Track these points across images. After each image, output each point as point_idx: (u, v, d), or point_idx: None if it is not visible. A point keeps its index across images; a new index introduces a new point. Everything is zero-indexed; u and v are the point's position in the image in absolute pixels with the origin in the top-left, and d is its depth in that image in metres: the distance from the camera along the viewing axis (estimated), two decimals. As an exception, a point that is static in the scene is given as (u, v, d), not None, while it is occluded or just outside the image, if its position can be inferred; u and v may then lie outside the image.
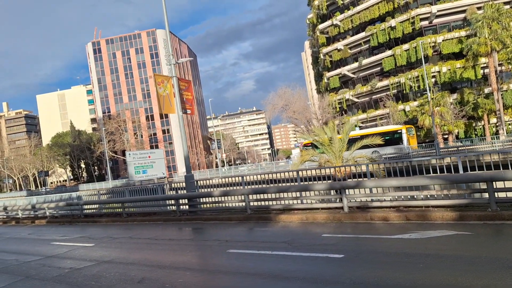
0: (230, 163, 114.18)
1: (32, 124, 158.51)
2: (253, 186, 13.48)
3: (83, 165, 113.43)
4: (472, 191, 8.41)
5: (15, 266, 9.98)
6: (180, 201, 14.93)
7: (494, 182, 7.80)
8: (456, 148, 39.71)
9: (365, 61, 65.10)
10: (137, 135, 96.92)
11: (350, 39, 67.18)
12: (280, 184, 12.98)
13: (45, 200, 22.42)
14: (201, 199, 14.56)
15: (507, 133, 47.31)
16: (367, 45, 65.25)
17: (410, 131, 45.94)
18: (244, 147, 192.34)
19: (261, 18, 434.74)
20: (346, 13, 66.10)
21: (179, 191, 26.73)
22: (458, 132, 54.70)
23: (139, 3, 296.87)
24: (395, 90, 60.96)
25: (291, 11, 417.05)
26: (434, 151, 40.92)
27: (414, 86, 57.88)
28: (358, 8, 64.18)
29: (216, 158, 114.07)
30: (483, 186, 8.24)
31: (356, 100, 68.05)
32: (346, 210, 10.31)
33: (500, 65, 49.69)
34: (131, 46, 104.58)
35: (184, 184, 20.47)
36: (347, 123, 57.27)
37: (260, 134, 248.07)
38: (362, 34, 64.57)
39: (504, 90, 51.18)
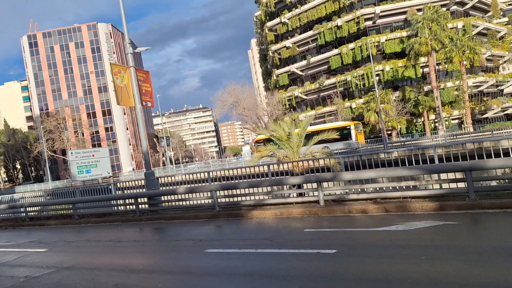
0: (177, 162, 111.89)
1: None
2: (221, 182, 12.91)
3: (18, 166, 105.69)
4: (450, 181, 8.49)
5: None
6: (140, 200, 14.02)
7: (471, 172, 7.90)
8: (402, 143, 41.46)
9: (313, 59, 66.31)
10: (78, 134, 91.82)
11: (298, 37, 68.12)
12: (250, 180, 12.54)
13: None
14: (163, 197, 13.74)
15: (446, 128, 50.25)
16: (315, 44, 66.51)
17: (358, 127, 47.47)
18: (191, 145, 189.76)
19: (205, 15, 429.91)
20: (294, 11, 66.94)
21: (127, 191, 25.38)
22: (400, 128, 57.34)
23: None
24: (342, 88, 62.66)
25: (235, 9, 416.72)
26: (381, 146, 42.50)
27: (360, 84, 59.81)
28: (306, 6, 65.19)
29: (163, 156, 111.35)
30: (459, 175, 8.35)
31: (304, 97, 69.19)
32: (322, 204, 10.09)
33: (437, 64, 52.67)
34: (71, 40, 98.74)
35: (131, 183, 19.46)
36: (303, 119, 57.88)
37: (207, 132, 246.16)
38: (310, 33, 65.70)
39: (442, 88, 54.22)
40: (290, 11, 67.51)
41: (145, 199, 13.99)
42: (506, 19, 66.32)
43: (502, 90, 61.32)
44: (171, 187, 14.16)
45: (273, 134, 24.72)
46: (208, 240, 9.03)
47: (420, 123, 57.33)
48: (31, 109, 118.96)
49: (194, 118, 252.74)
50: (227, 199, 12.33)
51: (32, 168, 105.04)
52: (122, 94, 13.36)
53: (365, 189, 9.87)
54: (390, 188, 9.57)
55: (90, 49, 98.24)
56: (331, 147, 40.84)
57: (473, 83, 54.59)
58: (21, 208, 17.58)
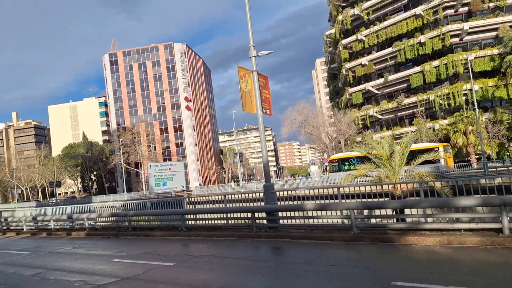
0: (235, 179, 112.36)
1: (41, 135, 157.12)
2: (360, 200, 11.38)
3: (93, 177, 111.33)
4: None
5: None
6: (256, 215, 12.83)
7: None
8: (507, 168, 37.47)
9: (391, 77, 63.46)
10: (151, 148, 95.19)
11: (375, 55, 65.74)
12: (403, 200, 10.89)
13: (83, 210, 20.40)
14: (283, 213, 12.45)
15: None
16: (394, 61, 63.77)
17: (447, 149, 44.03)
18: (251, 164, 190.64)
19: (268, 38, 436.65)
20: (372, 28, 64.89)
21: (199, 206, 24.37)
22: (490, 153, 52.48)
23: (149, 21, 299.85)
24: (423, 108, 59.02)
25: (298, 31, 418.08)
26: (476, 171, 38.82)
27: (444, 104, 55.96)
28: (385, 23, 62.91)
29: (227, 173, 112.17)
30: None
31: (380, 116, 66.19)
32: (507, 233, 8.21)
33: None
34: (148, 58, 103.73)
35: (204, 198, 18.38)
36: (378, 139, 55.06)
37: (267, 151, 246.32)
38: (389, 50, 63.13)
39: (540, 111, 49.16)
40: (368, 28, 65.51)
41: (263, 214, 12.79)
42: None
43: None
44: (296, 202, 12.84)
45: (370, 152, 23.04)
46: (380, 270, 7.47)
47: (513, 148, 52.18)
48: (107, 123, 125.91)
49: (254, 137, 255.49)
50: (365, 220, 10.77)
51: (105, 179, 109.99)
52: (246, 99, 12.46)
53: None
54: None
55: (165, 68, 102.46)
56: (415, 170, 37.94)
57: None
58: (125, 217, 17.23)
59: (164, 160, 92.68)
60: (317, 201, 11.89)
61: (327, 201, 11.80)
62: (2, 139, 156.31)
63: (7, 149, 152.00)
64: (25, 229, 22.81)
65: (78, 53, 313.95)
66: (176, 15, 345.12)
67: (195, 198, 31.12)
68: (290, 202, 14.25)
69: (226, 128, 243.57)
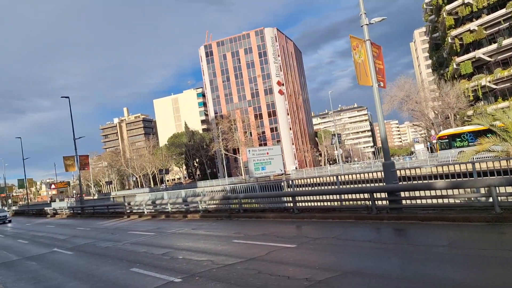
0: (331, 161, 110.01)
1: (148, 127, 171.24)
2: (504, 176, 9.99)
3: (196, 164, 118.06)
4: None
5: (220, 271, 7.88)
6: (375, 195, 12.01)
7: None
8: None
9: (506, 42, 56.18)
10: (247, 134, 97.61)
11: (485, 18, 58.69)
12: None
13: (195, 194, 21.45)
14: (405, 193, 11.47)
15: None
16: (508, 23, 56.36)
17: None
18: (347, 145, 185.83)
19: (356, 14, 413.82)
20: (481, -11, 57.94)
21: (299, 188, 23.60)
22: None
23: (238, 10, 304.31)
24: (548, 72, 51.46)
25: (389, 5, 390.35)
26: None
27: None
28: (498, -19, 55.67)
29: (323, 155, 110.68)
30: None
31: (494, 86, 59.25)
32: None
33: None
34: (240, 46, 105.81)
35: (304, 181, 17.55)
36: (492, 111, 49.71)
37: (362, 132, 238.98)
38: (502, 11, 55.85)
39: None
40: (476, -10, 58.67)
41: (381, 195, 11.94)
42: None
43: None
44: (406, 182, 11.78)
45: (493, 124, 20.72)
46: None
47: None
48: (205, 113, 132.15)
49: (349, 118, 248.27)
50: (508, 198, 9.40)
51: (206, 166, 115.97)
52: (361, 71, 11.64)
53: None
54: None
55: (257, 54, 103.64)
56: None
57: None
58: (235, 200, 17.61)
59: (260, 145, 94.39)
60: (447, 180, 10.70)
61: (460, 179, 10.55)
62: (117, 132, 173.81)
63: (121, 141, 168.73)
64: (145, 212, 24.76)
65: (174, 49, 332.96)
66: (263, 1, 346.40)
67: (297, 181, 30.79)
68: (403, 182, 13.15)
69: (318, 110, 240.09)
